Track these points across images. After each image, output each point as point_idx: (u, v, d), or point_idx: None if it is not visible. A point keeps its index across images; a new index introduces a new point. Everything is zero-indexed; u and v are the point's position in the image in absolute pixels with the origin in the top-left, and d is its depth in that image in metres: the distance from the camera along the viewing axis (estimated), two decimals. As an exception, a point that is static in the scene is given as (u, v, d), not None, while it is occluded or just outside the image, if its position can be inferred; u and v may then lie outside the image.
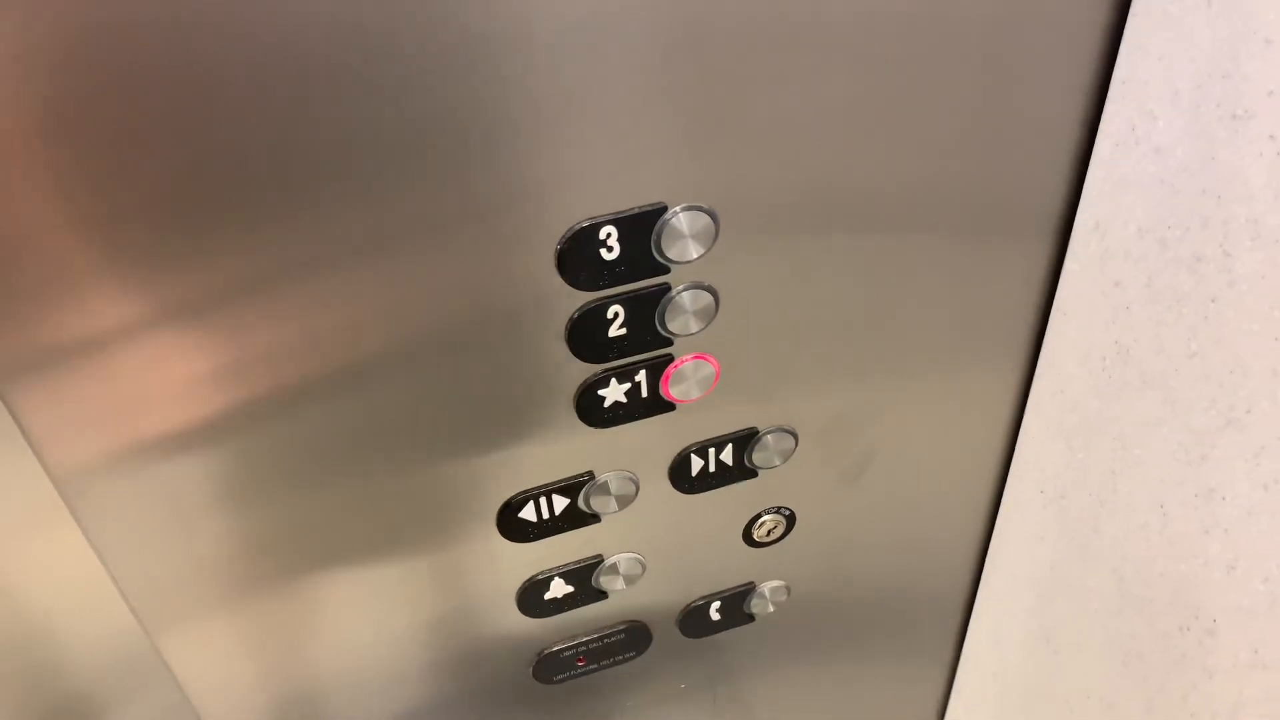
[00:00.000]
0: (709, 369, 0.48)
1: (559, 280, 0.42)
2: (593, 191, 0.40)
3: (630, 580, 0.57)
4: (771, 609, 0.63)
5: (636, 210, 0.41)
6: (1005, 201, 0.48)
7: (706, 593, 0.61)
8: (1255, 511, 0.43)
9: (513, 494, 0.50)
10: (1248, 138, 0.38)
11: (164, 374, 0.40)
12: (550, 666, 0.61)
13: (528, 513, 0.51)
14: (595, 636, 0.60)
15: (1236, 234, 0.40)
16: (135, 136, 0.34)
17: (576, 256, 0.41)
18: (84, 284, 0.37)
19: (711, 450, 0.52)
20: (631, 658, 0.63)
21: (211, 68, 0.33)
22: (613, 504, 0.52)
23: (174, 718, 0.58)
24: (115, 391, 0.40)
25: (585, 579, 0.56)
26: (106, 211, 0.35)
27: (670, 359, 0.47)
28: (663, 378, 0.47)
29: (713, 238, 0.43)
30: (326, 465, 0.46)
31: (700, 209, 0.42)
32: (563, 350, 0.45)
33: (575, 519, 0.52)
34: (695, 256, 0.43)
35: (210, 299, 0.38)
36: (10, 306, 0.36)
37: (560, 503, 0.51)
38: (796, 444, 0.54)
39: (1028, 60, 0.43)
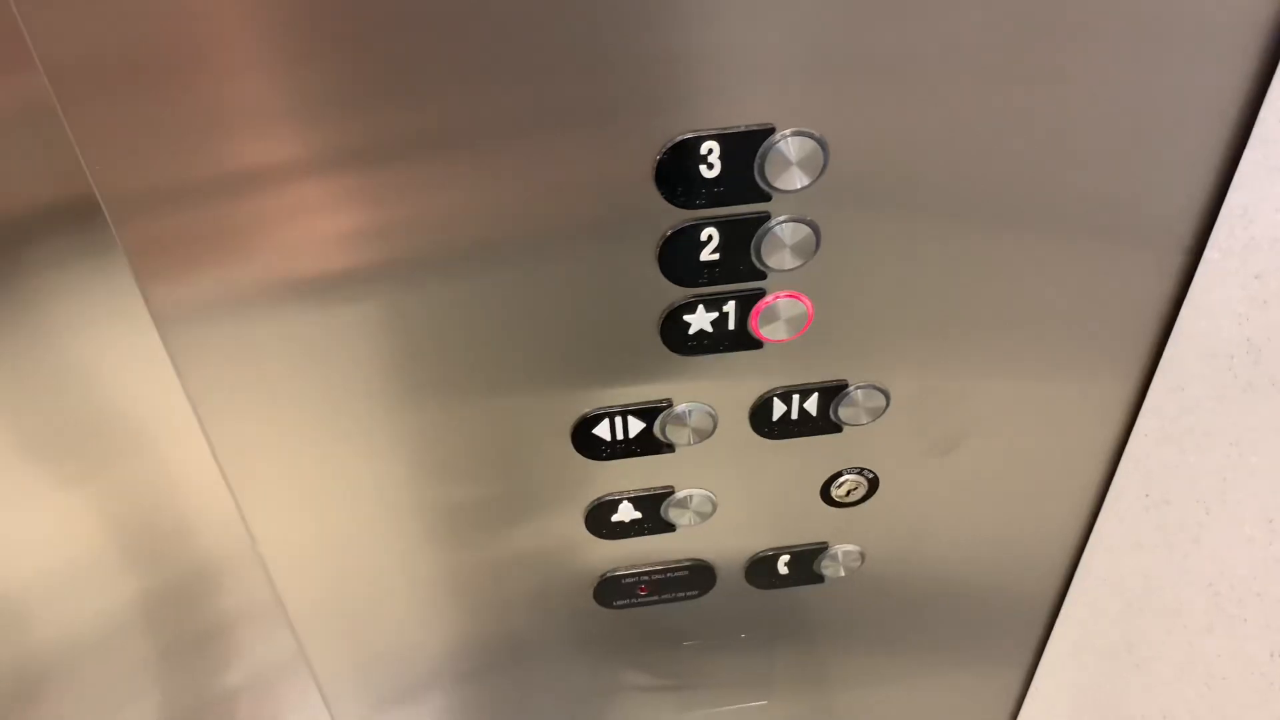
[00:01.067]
0: (802, 309, 0.47)
1: (657, 195, 0.42)
2: (702, 104, 0.39)
3: (700, 517, 0.56)
4: (843, 573, 0.62)
5: (743, 128, 0.40)
6: (1148, 182, 0.45)
7: (777, 544, 0.60)
8: (1372, 536, 0.39)
9: (589, 410, 0.50)
10: None
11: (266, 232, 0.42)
12: (612, 590, 0.61)
13: (602, 430, 0.51)
14: (659, 568, 0.60)
15: (1396, 227, 0.36)
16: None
17: (675, 170, 0.41)
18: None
19: (796, 397, 0.51)
20: (694, 596, 0.62)
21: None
22: (688, 435, 0.51)
23: (261, 611, 0.61)
24: (224, 238, 0.42)
25: (654, 508, 0.56)
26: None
27: (762, 293, 0.46)
28: (752, 312, 0.46)
29: (820, 169, 0.41)
30: (403, 358, 0.47)
31: (810, 135, 0.40)
32: (654, 269, 0.45)
33: (649, 445, 0.52)
34: (799, 186, 0.42)
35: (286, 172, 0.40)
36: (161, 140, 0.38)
37: (635, 425, 0.51)
38: (888, 404, 0.52)
39: (1194, 21, 0.40)
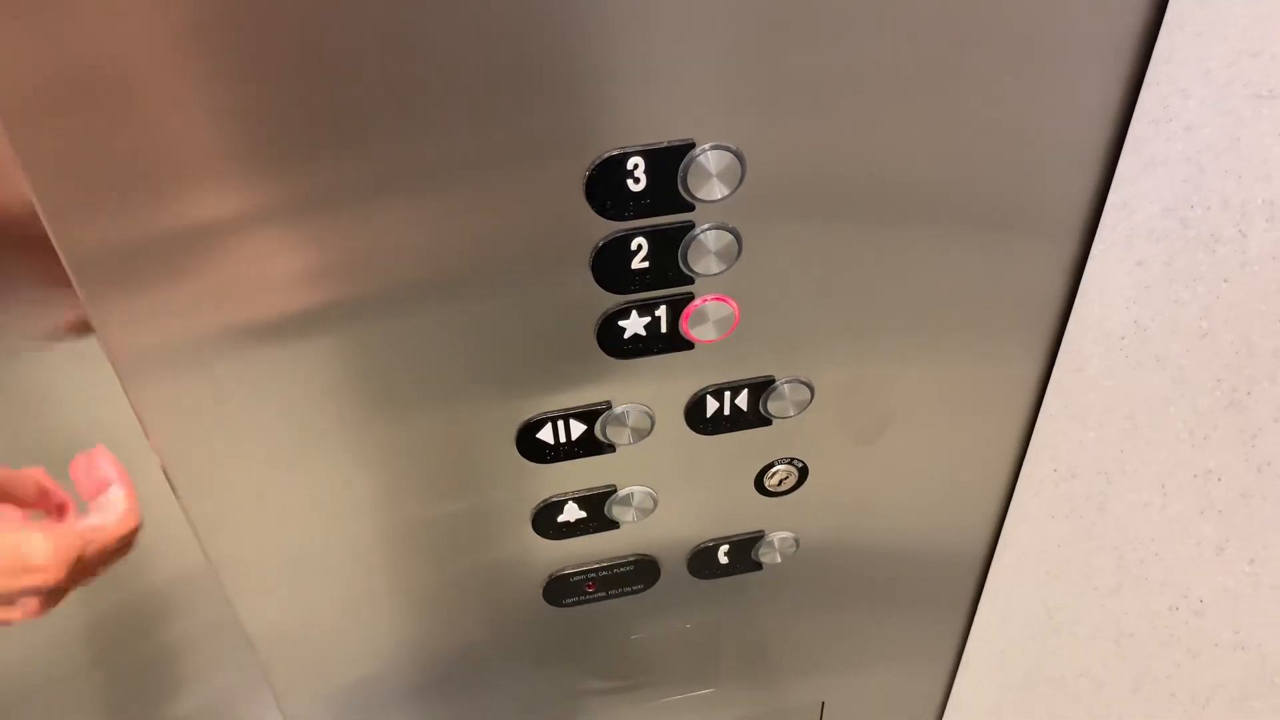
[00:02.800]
0: (728, 311, 0.49)
1: (588, 209, 0.44)
2: (626, 123, 0.42)
3: (642, 513, 0.59)
4: (779, 559, 0.65)
5: (665, 144, 0.43)
6: (1040, 182, 0.49)
7: (716, 535, 0.63)
8: (1248, 493, 0.43)
9: (533, 415, 0.53)
10: (1271, 118, 0.38)
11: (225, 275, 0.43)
12: (560, 589, 0.63)
13: (545, 434, 0.53)
14: (605, 565, 0.62)
15: (1253, 214, 0.40)
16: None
17: (604, 185, 0.43)
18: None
19: (727, 393, 0.54)
20: (640, 590, 0.65)
21: None
22: (628, 435, 0.54)
23: (216, 634, 0.62)
24: (177, 273, 0.43)
25: (598, 507, 0.58)
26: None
27: (691, 297, 0.49)
28: (683, 315, 0.49)
29: (738, 180, 0.44)
30: (352, 376, 0.49)
31: (727, 149, 0.43)
32: (588, 279, 0.47)
33: (591, 446, 0.54)
34: (719, 196, 0.44)
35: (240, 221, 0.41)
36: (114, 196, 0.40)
37: (577, 428, 0.53)
38: (812, 396, 0.55)
39: (1072, 37, 0.44)
